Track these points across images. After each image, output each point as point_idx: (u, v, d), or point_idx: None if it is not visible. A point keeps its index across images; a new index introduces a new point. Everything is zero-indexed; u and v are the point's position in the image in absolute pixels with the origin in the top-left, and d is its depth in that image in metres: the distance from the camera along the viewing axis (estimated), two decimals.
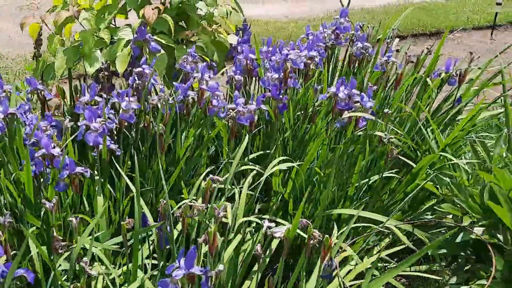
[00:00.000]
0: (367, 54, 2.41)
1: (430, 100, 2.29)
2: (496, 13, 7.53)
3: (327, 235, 1.28)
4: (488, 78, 2.32)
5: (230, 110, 1.91)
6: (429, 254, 2.02)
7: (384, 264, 1.92)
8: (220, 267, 1.27)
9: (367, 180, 2.12)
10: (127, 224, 1.42)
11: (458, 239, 1.76)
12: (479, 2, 9.27)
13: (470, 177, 1.92)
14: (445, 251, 1.83)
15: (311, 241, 1.34)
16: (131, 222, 1.42)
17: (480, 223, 1.72)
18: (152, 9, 1.98)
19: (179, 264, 1.25)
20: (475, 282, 1.65)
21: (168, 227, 1.53)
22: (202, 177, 1.66)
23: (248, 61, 2.22)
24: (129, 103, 1.71)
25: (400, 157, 2.19)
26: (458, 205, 1.82)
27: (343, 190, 2.10)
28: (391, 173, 2.14)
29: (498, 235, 1.74)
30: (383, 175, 2.11)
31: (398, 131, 2.26)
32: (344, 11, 2.53)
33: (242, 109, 1.91)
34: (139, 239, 1.57)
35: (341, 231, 1.61)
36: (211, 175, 1.41)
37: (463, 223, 1.71)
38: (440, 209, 1.79)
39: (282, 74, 2.07)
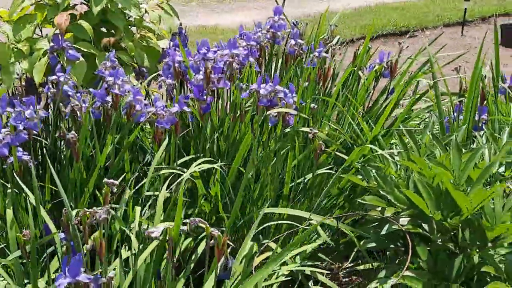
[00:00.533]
0: (301, 51, 2.38)
1: (361, 97, 2.26)
2: (465, 9, 7.58)
3: (219, 233, 1.24)
4: (418, 68, 2.29)
5: (150, 114, 1.86)
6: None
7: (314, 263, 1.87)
8: (111, 273, 1.22)
9: (303, 178, 2.08)
10: (24, 236, 1.37)
11: (383, 231, 1.71)
12: (449, 0, 9.33)
13: (399, 168, 1.88)
14: (374, 244, 1.78)
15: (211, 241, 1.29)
16: (27, 234, 1.37)
17: (402, 213, 1.67)
18: (66, 16, 1.94)
19: (65, 273, 1.20)
20: (399, 274, 1.60)
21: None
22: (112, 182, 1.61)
23: (176, 64, 2.18)
24: (33, 112, 1.67)
25: (337, 153, 2.16)
26: (386, 197, 1.78)
27: (281, 189, 2.06)
28: (329, 169, 2.12)
29: (424, 225, 1.70)
30: (320, 172, 2.07)
31: (337, 127, 2.23)
32: (278, 9, 2.50)
33: (161, 111, 1.87)
34: (44, 252, 1.53)
35: (255, 229, 1.56)
36: (106, 179, 1.37)
37: (385, 214, 1.66)
38: (363, 202, 1.74)
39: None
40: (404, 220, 1.70)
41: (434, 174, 1.67)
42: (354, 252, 2.07)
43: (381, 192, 1.75)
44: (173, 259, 1.27)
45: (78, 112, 1.89)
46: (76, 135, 1.71)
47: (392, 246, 1.79)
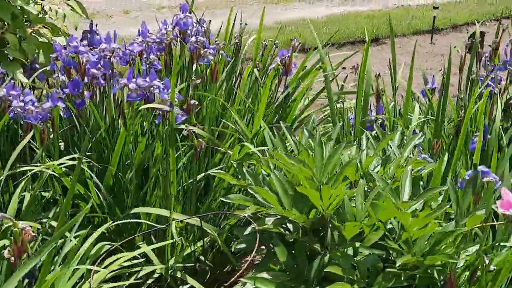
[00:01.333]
0: (202, 49, 2.32)
1: (264, 95, 2.19)
2: (434, 17, 7.58)
3: (26, 228, 1.16)
4: (313, 65, 2.23)
5: (18, 109, 1.80)
6: None
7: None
8: None
9: (191, 180, 2.01)
10: None
11: (246, 232, 1.64)
12: (423, 9, 9.33)
13: (275, 166, 1.81)
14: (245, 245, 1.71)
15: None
16: None
17: (262, 213, 1.60)
18: None
19: None
20: (255, 275, 1.52)
21: None
22: None
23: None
24: None
25: (227, 151, 2.10)
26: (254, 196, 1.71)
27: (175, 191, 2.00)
28: (220, 169, 2.06)
29: (289, 225, 1.63)
30: (208, 173, 2.01)
31: (234, 126, 2.17)
32: (184, 6, 2.45)
33: (30, 107, 1.80)
34: None
35: None
36: None
37: (244, 213, 1.59)
38: (227, 200, 1.67)
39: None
40: (269, 220, 1.63)
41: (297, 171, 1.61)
42: None
43: (249, 190, 1.68)
44: None
45: None
46: None
47: (263, 247, 1.72)
